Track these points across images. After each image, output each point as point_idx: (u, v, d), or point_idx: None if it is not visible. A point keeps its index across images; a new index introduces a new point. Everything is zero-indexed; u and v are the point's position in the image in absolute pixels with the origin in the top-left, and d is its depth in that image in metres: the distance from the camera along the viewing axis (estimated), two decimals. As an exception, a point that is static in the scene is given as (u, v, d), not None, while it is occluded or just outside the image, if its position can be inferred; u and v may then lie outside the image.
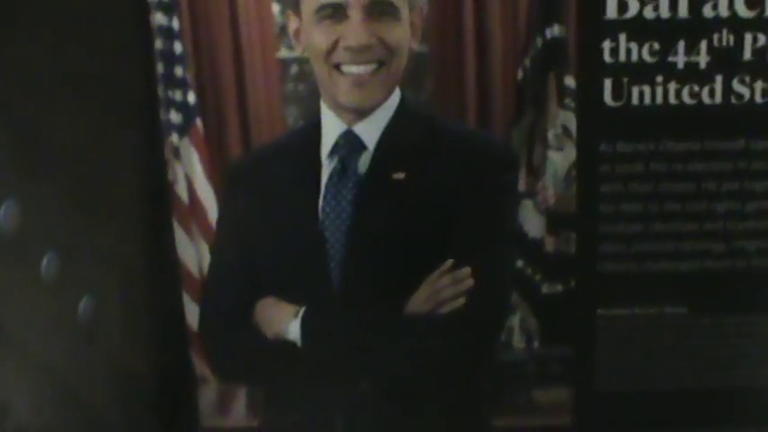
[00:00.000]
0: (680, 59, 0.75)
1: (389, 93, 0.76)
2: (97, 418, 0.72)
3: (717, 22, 0.75)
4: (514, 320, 0.77)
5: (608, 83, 0.75)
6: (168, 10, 0.76)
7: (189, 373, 0.81)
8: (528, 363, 0.79)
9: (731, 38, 0.75)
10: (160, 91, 0.77)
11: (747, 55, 0.75)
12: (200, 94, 0.77)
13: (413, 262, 0.77)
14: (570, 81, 0.74)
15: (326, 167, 0.77)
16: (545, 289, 0.77)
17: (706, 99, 0.76)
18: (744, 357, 0.80)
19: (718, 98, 0.76)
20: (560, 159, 0.75)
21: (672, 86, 0.75)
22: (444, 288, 0.76)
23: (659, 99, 0.75)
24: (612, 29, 0.74)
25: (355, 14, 0.73)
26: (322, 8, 0.74)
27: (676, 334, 0.79)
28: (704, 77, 0.75)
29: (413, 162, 0.76)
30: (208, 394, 0.81)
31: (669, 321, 0.79)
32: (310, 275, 0.77)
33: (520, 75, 0.74)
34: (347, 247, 0.76)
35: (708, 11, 0.74)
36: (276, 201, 0.77)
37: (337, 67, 0.74)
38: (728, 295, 0.79)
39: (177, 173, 0.78)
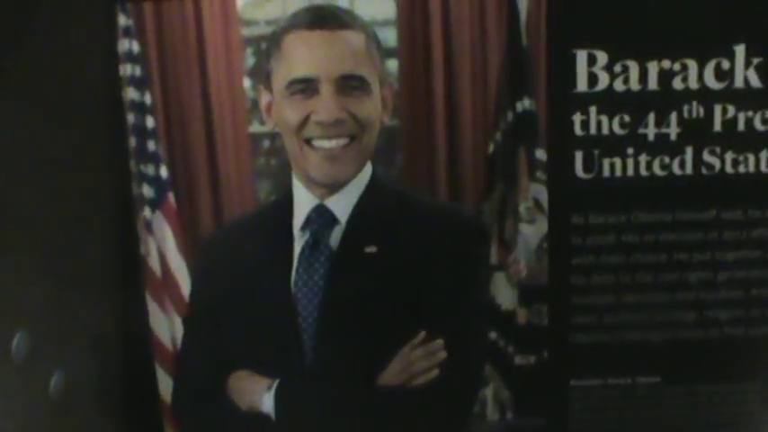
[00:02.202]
0: (650, 131, 0.75)
1: (361, 167, 0.76)
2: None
3: (686, 95, 0.75)
4: (488, 392, 0.77)
5: (579, 155, 0.75)
6: (140, 85, 0.76)
7: (163, 447, 0.82)
8: (502, 434, 0.80)
9: (701, 109, 0.75)
10: (132, 165, 0.78)
11: (717, 126, 0.75)
12: (172, 169, 0.77)
13: (386, 335, 0.77)
14: (541, 154, 0.74)
15: (299, 241, 0.77)
16: (518, 360, 0.77)
17: (677, 170, 0.76)
18: (717, 427, 0.80)
19: (689, 169, 0.76)
20: (532, 232, 0.75)
21: (643, 158, 0.76)
22: (417, 360, 0.77)
23: (630, 171, 0.75)
24: (583, 102, 0.74)
25: (326, 89, 0.73)
26: (293, 83, 0.74)
27: (649, 404, 0.79)
28: (675, 149, 0.75)
29: (384, 236, 0.76)
30: (182, 467, 0.81)
31: (642, 391, 0.78)
32: (283, 348, 0.77)
33: (490, 148, 0.75)
34: (320, 320, 0.76)
35: (677, 83, 0.75)
36: (248, 275, 0.77)
37: (308, 141, 0.74)
38: (702, 365, 0.78)
39: (150, 246, 0.78)
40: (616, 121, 0.71)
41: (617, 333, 0.74)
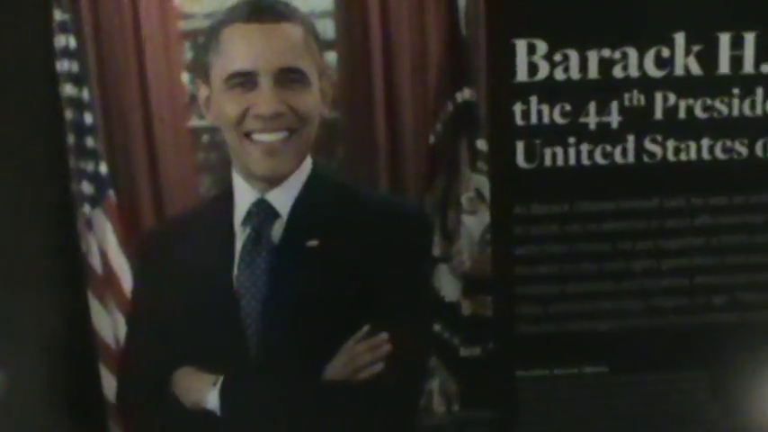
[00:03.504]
0: (591, 120, 0.75)
1: (301, 160, 0.75)
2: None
3: (627, 83, 0.74)
4: (434, 384, 0.77)
5: (520, 145, 0.75)
6: (78, 81, 0.76)
7: (108, 446, 0.81)
8: (448, 427, 0.80)
9: (642, 98, 0.75)
10: (71, 162, 0.77)
11: (658, 114, 0.75)
12: (111, 165, 0.77)
13: (330, 328, 0.76)
14: (482, 144, 0.74)
15: (240, 236, 0.76)
16: (463, 352, 0.77)
17: (619, 159, 0.76)
18: (665, 414, 0.80)
19: (631, 157, 0.76)
20: (474, 223, 0.75)
21: (584, 147, 0.76)
22: (362, 354, 0.76)
23: (572, 160, 0.76)
24: (523, 91, 0.74)
25: (265, 83, 0.73)
26: (232, 77, 0.73)
27: (597, 393, 0.79)
28: (616, 137, 0.75)
29: (326, 229, 0.76)
30: (128, 465, 0.81)
31: (589, 381, 0.78)
32: (227, 344, 0.76)
33: (432, 140, 0.75)
34: (263, 315, 0.75)
35: (618, 71, 0.75)
36: (191, 270, 0.77)
37: (248, 135, 0.73)
38: (648, 353, 0.78)
39: (90, 244, 0.78)
40: (557, 110, 0.71)
41: (562, 323, 0.74)
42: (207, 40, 0.72)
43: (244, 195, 0.73)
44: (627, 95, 0.71)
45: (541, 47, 0.70)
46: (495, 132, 0.71)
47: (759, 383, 0.76)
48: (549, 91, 0.70)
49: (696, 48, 0.71)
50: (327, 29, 0.70)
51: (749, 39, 0.71)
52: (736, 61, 0.71)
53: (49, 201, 0.74)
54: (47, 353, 0.74)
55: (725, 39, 0.71)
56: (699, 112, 0.72)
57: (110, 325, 0.73)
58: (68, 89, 0.70)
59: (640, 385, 0.75)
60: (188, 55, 0.70)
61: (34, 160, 0.73)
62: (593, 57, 0.71)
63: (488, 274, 0.73)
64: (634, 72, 0.71)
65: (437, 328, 0.71)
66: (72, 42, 0.69)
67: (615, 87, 0.71)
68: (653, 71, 0.71)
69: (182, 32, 0.69)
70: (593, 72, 0.70)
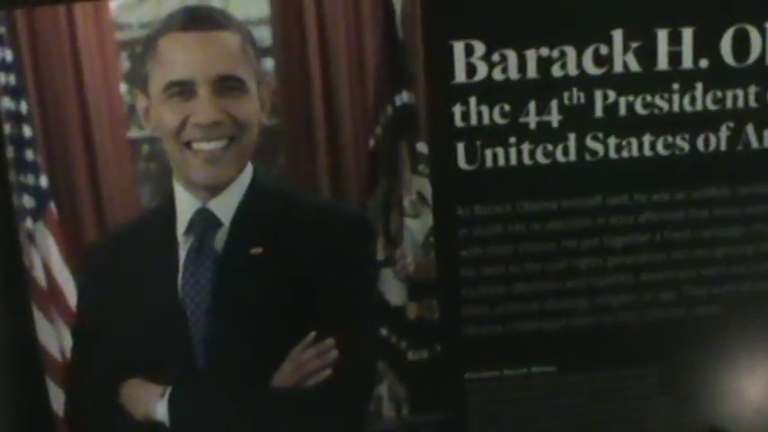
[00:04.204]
0: (532, 120, 0.76)
1: (241, 168, 0.75)
2: None
3: (566, 81, 0.75)
4: (382, 389, 0.78)
5: (461, 147, 0.75)
6: (15, 94, 0.76)
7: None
8: (398, 431, 0.80)
9: (581, 96, 0.75)
10: (11, 176, 0.78)
11: (598, 112, 0.75)
12: (52, 178, 0.77)
13: (277, 336, 0.77)
14: (423, 147, 0.74)
15: (183, 246, 0.76)
16: (411, 356, 0.77)
17: (560, 158, 0.76)
18: (616, 412, 0.81)
19: (573, 156, 0.76)
20: (417, 226, 0.76)
21: (525, 147, 0.76)
22: (309, 361, 0.77)
23: (513, 160, 0.76)
24: (462, 93, 0.74)
25: (203, 91, 0.73)
26: (170, 86, 0.73)
27: (546, 393, 0.79)
28: (557, 136, 0.75)
29: (269, 236, 0.76)
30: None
31: (538, 381, 0.79)
32: (174, 355, 0.77)
33: (372, 143, 0.75)
34: (209, 324, 0.76)
35: (557, 70, 0.75)
36: (135, 281, 0.77)
37: (188, 144, 0.74)
38: (596, 351, 0.78)
39: (33, 258, 0.78)
40: (496, 110, 0.72)
41: (509, 324, 0.74)
42: (144, 50, 0.72)
43: (185, 205, 0.73)
44: (566, 94, 0.71)
45: (479, 48, 0.70)
46: (434, 135, 0.71)
47: (708, 378, 0.76)
48: (488, 91, 0.71)
49: (634, 44, 0.71)
50: (264, 36, 0.70)
51: (687, 34, 0.71)
52: (675, 57, 0.72)
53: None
54: (-8, 368, 0.74)
55: (663, 35, 0.71)
56: (639, 109, 0.72)
57: (56, 338, 0.73)
58: (6, 102, 0.70)
59: (590, 383, 0.76)
60: (125, 65, 0.70)
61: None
62: (531, 56, 0.71)
63: (433, 276, 0.73)
64: (573, 70, 0.71)
65: (383, 332, 0.72)
66: (8, 55, 0.69)
67: (554, 86, 0.71)
68: (592, 69, 0.71)
69: (118, 43, 0.69)
70: (531, 71, 0.71)
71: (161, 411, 0.72)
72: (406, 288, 0.72)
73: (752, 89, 0.72)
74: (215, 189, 0.72)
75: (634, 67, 0.70)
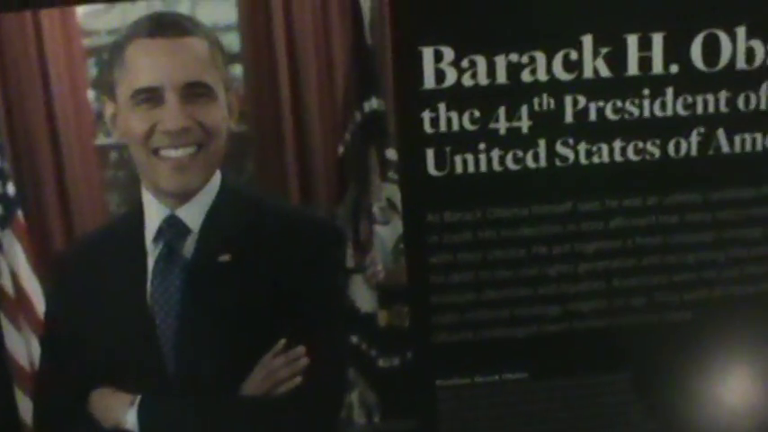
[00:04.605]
0: (501, 126, 0.75)
1: (210, 175, 0.75)
2: None
3: (536, 87, 0.74)
4: (353, 396, 0.78)
5: (430, 153, 0.75)
6: (-19, 101, 0.76)
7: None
8: (370, 438, 0.80)
9: (551, 101, 0.75)
10: (-21, 184, 0.77)
11: (569, 117, 0.75)
12: (19, 185, 0.77)
13: (247, 343, 0.77)
14: (392, 153, 0.74)
15: (152, 253, 0.76)
16: (382, 363, 0.77)
17: (530, 164, 0.76)
18: (587, 419, 0.81)
19: (543, 162, 0.76)
20: (387, 233, 0.76)
21: (495, 153, 0.76)
22: (279, 368, 0.76)
23: (483, 166, 0.76)
24: (431, 99, 0.74)
25: (171, 98, 0.73)
26: (137, 93, 0.73)
27: (518, 400, 0.78)
28: (527, 142, 0.75)
29: (238, 243, 0.76)
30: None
31: (510, 388, 0.78)
32: (144, 362, 0.77)
33: (340, 150, 0.75)
34: (179, 331, 0.76)
35: (526, 76, 0.75)
36: (104, 289, 0.76)
37: (156, 151, 0.73)
38: (568, 358, 0.78)
39: (1, 266, 0.78)
40: (466, 116, 0.71)
41: (480, 330, 0.74)
42: (111, 56, 0.72)
43: (154, 212, 0.73)
44: (536, 100, 0.71)
45: (448, 54, 0.70)
46: (404, 141, 0.71)
47: (681, 383, 0.76)
48: (458, 97, 0.70)
49: (604, 50, 0.71)
50: (232, 42, 0.69)
51: (657, 39, 0.71)
52: (645, 62, 0.72)
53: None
54: (-40, 378, 0.74)
55: (633, 40, 0.71)
56: (609, 114, 0.72)
57: (24, 347, 0.73)
58: (-28, 110, 0.69)
59: (561, 390, 0.76)
60: (92, 72, 0.70)
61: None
62: (500, 62, 0.70)
63: (403, 283, 0.73)
64: (543, 76, 0.71)
65: (354, 339, 0.71)
66: (-26, 63, 0.68)
67: (524, 92, 0.71)
68: (562, 74, 0.71)
69: (85, 50, 0.69)
70: (501, 77, 0.71)
71: (131, 420, 0.72)
72: (376, 295, 0.72)
73: (722, 94, 0.71)
74: (183, 196, 0.71)
75: (604, 72, 0.70)
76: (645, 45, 0.70)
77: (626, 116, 0.71)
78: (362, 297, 0.71)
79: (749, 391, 0.76)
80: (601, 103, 0.70)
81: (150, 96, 0.69)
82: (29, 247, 0.73)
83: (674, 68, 0.71)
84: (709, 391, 0.75)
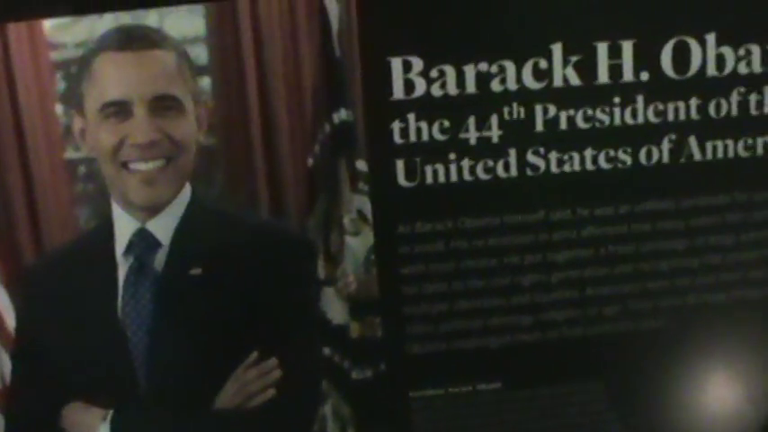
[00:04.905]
0: (472, 135, 0.75)
1: (180, 188, 0.74)
2: None
3: (506, 96, 0.74)
4: (327, 409, 0.77)
5: (400, 164, 0.75)
6: (-50, 115, 0.76)
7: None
8: (344, 451, 0.79)
9: (521, 110, 0.75)
10: (-52, 199, 0.77)
11: (539, 126, 0.75)
12: (-13, 201, 0.77)
13: (219, 356, 0.77)
14: (362, 164, 0.75)
15: (123, 267, 0.76)
16: (355, 375, 0.77)
17: (501, 173, 0.76)
18: (562, 427, 0.81)
19: (514, 171, 0.76)
20: (358, 244, 0.75)
21: (465, 163, 0.76)
22: (252, 381, 0.76)
23: (454, 176, 0.75)
24: (400, 109, 0.74)
25: (140, 111, 0.73)
26: (106, 106, 0.73)
27: (493, 410, 0.78)
28: (497, 152, 0.75)
29: (209, 256, 0.76)
30: None
31: (484, 398, 0.78)
32: (116, 377, 0.76)
33: (310, 162, 0.75)
34: (150, 346, 0.76)
35: (496, 85, 0.75)
36: (74, 304, 0.76)
37: (125, 165, 0.73)
38: (542, 367, 0.78)
39: (-30, 281, 0.78)
40: (436, 126, 0.71)
41: (453, 341, 0.74)
42: (79, 70, 0.72)
43: (124, 226, 0.73)
44: (506, 109, 0.71)
45: (417, 64, 0.70)
46: (373, 152, 0.71)
47: (655, 391, 0.76)
48: (427, 108, 0.70)
49: (574, 58, 0.71)
50: (200, 54, 0.69)
51: (627, 47, 0.71)
52: (616, 70, 0.72)
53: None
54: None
55: (603, 48, 0.71)
56: (580, 123, 0.72)
57: (-5, 363, 0.73)
58: (-59, 124, 0.69)
59: (536, 399, 0.75)
60: (60, 86, 0.70)
61: None
62: (469, 71, 0.70)
63: (375, 295, 0.73)
64: (512, 85, 0.71)
65: (326, 351, 0.71)
66: (-58, 77, 0.68)
67: (494, 101, 0.71)
68: (532, 83, 0.71)
69: (53, 63, 0.69)
70: (470, 87, 0.70)
71: (103, 434, 0.72)
72: (348, 307, 0.72)
73: (693, 101, 0.71)
74: (153, 209, 0.71)
75: (574, 80, 0.70)
76: (615, 53, 0.70)
77: (597, 124, 0.71)
78: (334, 309, 0.71)
79: (724, 399, 0.76)
80: (571, 112, 0.70)
81: (119, 110, 0.69)
82: (-1, 262, 0.73)
83: (644, 76, 0.70)
84: (683, 398, 0.75)
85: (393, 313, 0.72)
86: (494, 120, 0.70)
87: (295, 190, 0.71)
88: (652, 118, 0.71)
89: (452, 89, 0.69)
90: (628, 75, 0.70)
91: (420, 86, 0.69)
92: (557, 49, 0.70)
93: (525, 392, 0.74)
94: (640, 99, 0.71)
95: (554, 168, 0.71)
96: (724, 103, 0.72)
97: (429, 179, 0.70)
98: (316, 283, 0.72)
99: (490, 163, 0.70)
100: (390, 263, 0.71)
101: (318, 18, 0.70)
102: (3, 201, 0.72)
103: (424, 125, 0.69)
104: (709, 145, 0.72)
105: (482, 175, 0.70)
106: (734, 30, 0.71)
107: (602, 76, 0.70)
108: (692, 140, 0.72)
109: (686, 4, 0.71)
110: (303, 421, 0.74)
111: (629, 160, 0.71)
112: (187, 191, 0.71)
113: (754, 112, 0.73)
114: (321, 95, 0.70)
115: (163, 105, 0.69)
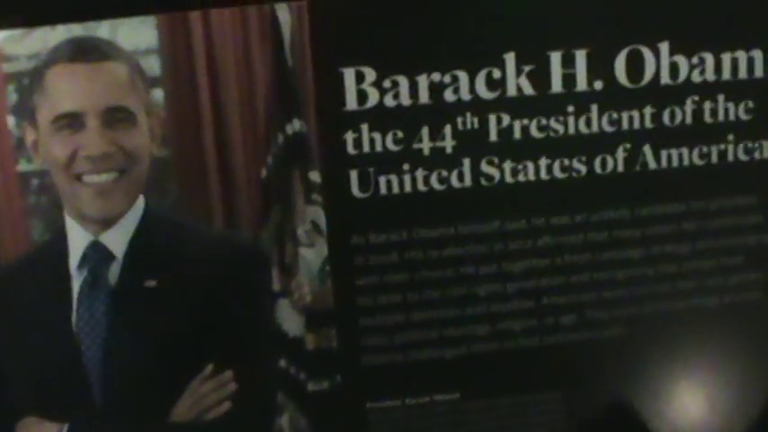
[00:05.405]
0: (425, 146, 0.75)
1: (133, 200, 0.74)
2: None
3: (459, 106, 0.74)
4: (283, 421, 0.77)
5: (354, 174, 0.75)
6: None
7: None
8: (301, 463, 0.79)
9: (475, 120, 0.76)
10: None
11: (493, 136, 0.75)
12: (-60, 214, 0.76)
13: (174, 369, 0.76)
14: (315, 176, 0.75)
15: (77, 280, 0.75)
16: (311, 387, 0.77)
17: (455, 183, 0.76)
18: (520, 438, 0.80)
19: (468, 181, 0.76)
20: (313, 255, 0.75)
21: (419, 173, 0.76)
22: (207, 394, 0.76)
23: (408, 187, 0.76)
24: (354, 120, 0.74)
25: (92, 123, 0.73)
26: (58, 118, 0.73)
27: (450, 421, 0.78)
28: (451, 162, 0.75)
29: (163, 268, 0.76)
30: None
31: (441, 408, 0.78)
32: (71, 391, 0.76)
33: (264, 173, 0.75)
34: (105, 359, 0.75)
35: (449, 95, 0.75)
36: (28, 318, 0.76)
37: (78, 177, 0.73)
38: (499, 377, 0.78)
39: (-77, 296, 0.77)
40: (389, 137, 0.71)
41: (410, 352, 0.74)
42: (31, 82, 0.71)
43: (77, 238, 0.73)
44: (460, 119, 0.71)
45: (369, 74, 0.70)
46: (327, 163, 0.71)
47: (613, 400, 0.76)
48: (381, 118, 0.70)
49: (527, 68, 0.71)
50: (153, 66, 0.69)
51: (581, 56, 0.71)
52: (569, 79, 0.72)
53: None
54: None
55: (556, 57, 0.71)
56: (534, 132, 0.72)
57: (-51, 378, 0.72)
58: None
59: (493, 410, 0.75)
60: (12, 98, 0.70)
61: None
62: (422, 82, 0.70)
63: (331, 306, 0.73)
64: (466, 95, 0.71)
65: (282, 363, 0.71)
66: None
67: (447, 111, 0.71)
68: (485, 93, 0.71)
69: (5, 75, 0.69)
70: (423, 97, 0.71)
71: (58, 450, 0.72)
72: (303, 318, 0.71)
73: (647, 110, 0.72)
74: (107, 222, 0.71)
75: (528, 90, 0.70)
76: (568, 62, 0.70)
77: (551, 134, 0.71)
78: (290, 321, 0.71)
79: (682, 407, 0.76)
80: (525, 121, 0.70)
81: (71, 122, 0.69)
82: (-49, 275, 0.72)
83: (598, 85, 0.71)
84: (640, 407, 0.75)
85: (349, 324, 0.72)
86: (447, 130, 0.70)
87: (249, 201, 0.71)
88: (606, 127, 0.71)
89: (405, 99, 0.69)
90: (581, 84, 0.71)
91: (373, 97, 0.69)
92: (510, 59, 0.70)
93: (483, 403, 0.74)
94: (594, 108, 0.71)
95: (508, 178, 0.71)
96: (678, 111, 0.72)
97: (383, 190, 0.70)
98: (270, 294, 0.72)
99: (444, 173, 0.70)
100: (345, 274, 0.71)
101: (271, 29, 0.70)
102: (-45, 214, 0.72)
103: (377, 136, 0.69)
104: (663, 153, 0.72)
105: (436, 186, 0.70)
106: (687, 38, 0.71)
107: (556, 86, 0.71)
108: (647, 149, 0.72)
109: (639, 13, 0.71)
110: (259, 434, 0.74)
111: (583, 169, 0.71)
112: (140, 203, 0.71)
113: (708, 120, 0.72)
114: (274, 106, 0.70)
115: (116, 117, 0.69)
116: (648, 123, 0.71)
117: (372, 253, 0.70)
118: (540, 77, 0.70)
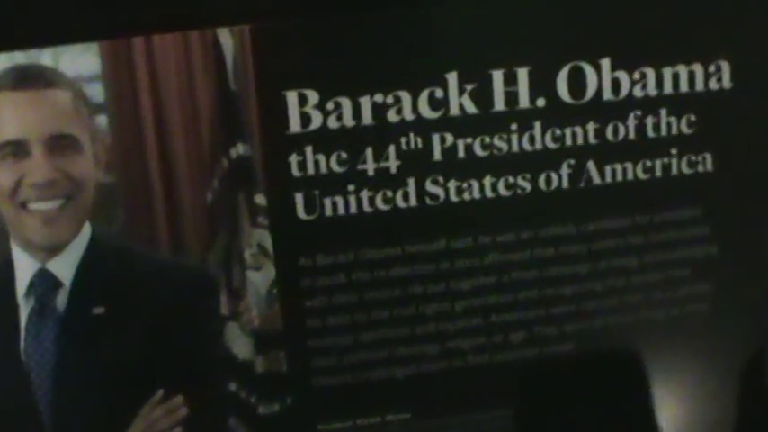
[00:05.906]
0: (369, 166, 0.76)
1: (80, 227, 0.75)
2: None
3: (402, 126, 0.75)
4: (235, 445, 0.78)
5: (299, 197, 0.75)
6: None
7: None
8: (253, 487, 0.79)
9: (419, 140, 0.76)
10: None
11: (437, 155, 0.75)
12: None
13: (125, 396, 0.77)
14: (261, 199, 0.75)
15: (24, 308, 0.76)
16: (262, 410, 0.77)
17: (400, 203, 0.76)
18: (472, 456, 0.80)
19: (413, 201, 0.76)
20: (260, 278, 0.76)
21: (364, 194, 0.76)
22: (158, 419, 0.76)
23: (353, 208, 0.76)
24: (297, 142, 0.74)
25: (37, 151, 0.73)
26: (2, 147, 0.72)
27: (402, 440, 0.80)
28: (396, 182, 0.75)
29: (111, 295, 0.76)
30: None
31: (393, 428, 0.78)
32: (20, 420, 0.77)
33: (209, 197, 0.76)
34: (54, 388, 0.75)
35: (392, 116, 0.75)
36: (-25, 348, 0.77)
37: (24, 205, 0.73)
38: (450, 396, 0.79)
39: None
40: (333, 159, 0.72)
41: (360, 372, 0.74)
42: (-26, 111, 0.72)
43: (24, 266, 0.73)
44: (403, 139, 0.72)
45: (312, 97, 0.71)
46: (272, 186, 0.71)
47: (563, 417, 0.77)
48: (324, 140, 0.71)
49: (469, 87, 0.72)
50: (96, 93, 0.70)
51: (522, 74, 0.72)
52: (512, 97, 0.72)
53: None
54: None
55: (498, 75, 0.72)
56: (478, 151, 0.73)
57: None
58: None
59: (446, 428, 0.76)
60: (-44, 128, 0.70)
61: None
62: (365, 103, 0.71)
63: (279, 328, 0.73)
64: (409, 115, 0.72)
65: (232, 387, 0.71)
66: None
67: (391, 132, 0.71)
68: (428, 113, 0.72)
69: (-52, 105, 0.69)
70: (367, 118, 0.71)
71: (8, 479, 0.72)
72: (252, 341, 0.72)
73: (590, 126, 0.72)
74: (53, 249, 0.71)
75: (471, 109, 0.71)
76: (510, 80, 0.71)
77: (495, 152, 0.71)
78: (239, 344, 0.71)
79: (632, 422, 0.76)
80: (469, 140, 0.71)
81: (15, 149, 0.69)
82: None
83: (540, 102, 0.71)
84: (592, 422, 0.76)
85: (298, 347, 0.72)
86: (391, 150, 0.71)
87: (195, 226, 0.71)
88: (550, 144, 0.72)
89: (349, 121, 0.70)
90: (524, 101, 0.71)
91: (316, 119, 0.70)
92: (452, 78, 0.71)
93: (434, 422, 0.75)
94: (537, 125, 0.72)
95: (453, 197, 0.71)
96: (621, 126, 0.73)
97: (328, 211, 0.71)
98: (219, 318, 0.72)
99: (389, 193, 0.71)
100: (293, 296, 0.71)
101: (213, 53, 0.70)
102: None
103: (321, 158, 0.70)
104: (608, 168, 0.73)
105: (381, 206, 0.71)
106: (628, 54, 0.72)
107: (499, 104, 0.71)
108: (591, 165, 0.73)
109: (580, 29, 0.71)
110: (211, 458, 0.74)
111: (528, 186, 0.72)
112: (87, 229, 0.72)
113: (651, 134, 0.73)
114: (218, 131, 0.70)
115: (60, 144, 0.69)
116: (592, 139, 0.72)
117: (320, 274, 0.71)
118: (483, 96, 0.71)
